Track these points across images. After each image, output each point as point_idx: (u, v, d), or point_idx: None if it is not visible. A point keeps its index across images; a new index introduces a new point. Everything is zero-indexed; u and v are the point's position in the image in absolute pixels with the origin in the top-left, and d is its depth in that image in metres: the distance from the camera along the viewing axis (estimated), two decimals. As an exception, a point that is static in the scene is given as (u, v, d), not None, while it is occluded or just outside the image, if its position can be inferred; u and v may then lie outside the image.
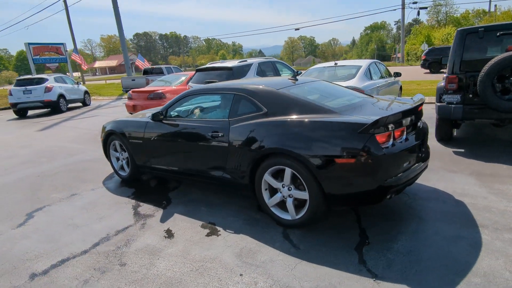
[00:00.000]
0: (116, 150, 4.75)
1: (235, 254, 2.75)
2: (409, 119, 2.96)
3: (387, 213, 3.21)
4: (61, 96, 13.99)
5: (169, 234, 3.19)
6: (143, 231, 3.29)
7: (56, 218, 3.74)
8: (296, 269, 2.49)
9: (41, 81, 13.68)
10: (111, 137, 4.71)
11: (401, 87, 8.46)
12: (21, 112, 13.69)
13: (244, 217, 3.39)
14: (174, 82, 9.69)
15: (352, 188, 2.71)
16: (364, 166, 2.62)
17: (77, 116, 12.60)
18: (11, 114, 14.22)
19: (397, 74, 7.67)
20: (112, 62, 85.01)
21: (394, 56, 52.72)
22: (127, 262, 2.78)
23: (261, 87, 3.42)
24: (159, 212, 3.68)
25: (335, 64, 6.69)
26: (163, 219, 3.50)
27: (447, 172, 4.14)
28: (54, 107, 13.79)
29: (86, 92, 15.99)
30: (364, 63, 6.39)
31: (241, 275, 2.48)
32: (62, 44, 21.35)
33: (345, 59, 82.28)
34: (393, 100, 3.61)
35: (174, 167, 3.98)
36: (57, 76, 14.60)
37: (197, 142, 3.60)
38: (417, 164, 3.00)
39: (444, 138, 5.39)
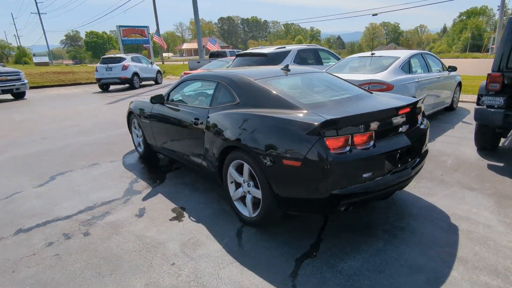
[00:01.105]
0: (136, 128, 5.01)
1: (181, 243, 2.69)
2: (386, 122, 2.49)
3: (358, 226, 2.80)
4: (135, 74, 15.24)
5: (141, 212, 3.26)
6: (123, 206, 3.43)
7: (68, 183, 4.11)
8: (224, 270, 2.33)
9: (120, 60, 15.06)
10: (132, 115, 4.96)
11: (460, 83, 7.23)
12: (104, 86, 15.31)
13: (215, 207, 3.30)
14: (223, 66, 9.78)
15: (300, 193, 2.40)
16: (310, 172, 2.28)
17: (145, 92, 13.66)
18: (97, 87, 16.06)
19: (452, 69, 6.56)
20: (195, 44, 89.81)
21: (488, 46, 45.30)
22: (91, 232, 2.93)
23: (239, 76, 3.21)
24: (147, 190, 3.79)
25: (372, 54, 5.97)
26: (145, 198, 3.60)
27: (462, 188, 3.43)
28: (129, 84, 15.12)
29: (158, 72, 17.17)
30: (404, 54, 5.56)
31: (172, 264, 2.42)
32: (146, 27, 23.24)
33: (431, 48, 73.62)
34: (392, 99, 3.07)
35: (170, 149, 4.05)
36: (134, 56, 15.91)
37: (184, 127, 3.58)
38: (394, 175, 2.52)
39: (485, 147, 4.48)
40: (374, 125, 2.41)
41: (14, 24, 79.83)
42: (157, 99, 4.01)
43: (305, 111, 2.58)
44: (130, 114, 4.99)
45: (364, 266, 2.28)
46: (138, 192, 3.76)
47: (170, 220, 3.09)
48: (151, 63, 17.04)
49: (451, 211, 2.98)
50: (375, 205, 3.14)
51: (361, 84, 4.88)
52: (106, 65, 14.86)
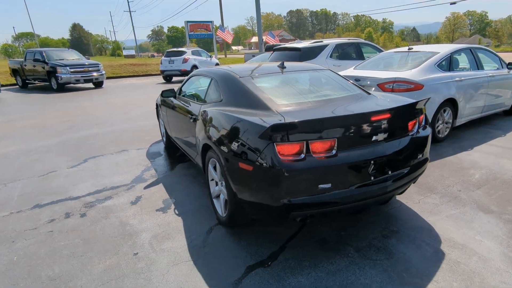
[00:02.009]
0: (160, 118, 5.23)
1: (153, 235, 2.74)
2: (353, 129, 2.18)
3: (331, 240, 2.54)
4: (194, 66, 15.90)
5: (136, 200, 3.41)
6: (125, 192, 3.62)
7: (94, 167, 4.49)
8: (175, 268, 2.31)
9: (181, 53, 15.85)
10: (157, 106, 5.19)
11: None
12: (167, 78, 16.31)
13: (203, 203, 3.29)
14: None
15: (255, 198, 2.25)
16: (260, 177, 2.12)
17: (201, 84, 14.21)
18: (159, 79, 17.18)
19: (513, 66, 5.49)
20: (264, 38, 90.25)
21: None
22: (87, 214, 3.15)
23: (225, 72, 3.11)
24: (153, 179, 3.95)
25: (409, 49, 5.28)
26: (147, 186, 3.75)
27: (475, 209, 2.87)
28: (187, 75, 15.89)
29: (216, 65, 17.69)
30: (445, 49, 4.79)
31: (135, 254, 2.49)
32: (210, 22, 24.07)
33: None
34: (388, 102, 2.68)
35: (177, 142, 4.15)
36: (194, 50, 16.62)
37: (185, 122, 3.62)
38: (364, 188, 2.21)
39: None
40: (336, 132, 2.12)
41: (112, 21, 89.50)
42: (168, 94, 4.11)
43: (273, 113, 2.40)
44: (157, 105, 5.23)
45: (314, 285, 2.06)
46: (144, 180, 3.94)
47: (157, 210, 3.17)
48: (210, 56, 17.61)
49: (449, 235, 2.52)
50: (361, 218, 2.81)
51: (384, 83, 4.37)
52: (169, 58, 15.77)
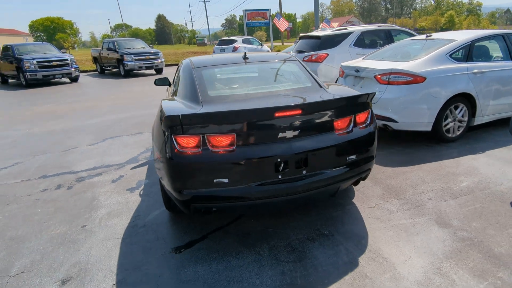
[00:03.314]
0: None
1: (108, 211, 2.97)
2: (256, 124, 2.06)
3: (254, 235, 2.46)
4: (244, 54, 16.06)
5: (118, 179, 3.69)
6: (115, 170, 3.95)
7: (107, 146, 4.95)
8: (100, 245, 2.45)
9: (232, 42, 16.13)
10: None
11: None
12: (219, 65, 16.82)
13: (169, 186, 3.42)
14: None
15: (166, 186, 2.28)
16: (163, 166, 2.16)
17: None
18: None
19: None
20: (334, 24, 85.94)
21: None
22: (73, 187, 3.54)
23: (187, 63, 3.13)
24: (143, 161, 4.21)
25: (427, 36, 4.56)
26: (135, 167, 4.02)
27: (430, 222, 2.46)
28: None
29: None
30: (465, 36, 4.03)
31: (83, 226, 2.74)
32: (267, 10, 23.78)
33: None
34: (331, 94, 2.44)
35: None
36: (245, 38, 16.75)
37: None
38: (268, 186, 2.09)
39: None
40: (235, 127, 2.03)
41: (190, 11, 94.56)
42: (160, 82, 4.29)
43: (197, 105, 2.39)
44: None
45: (207, 276, 2.05)
46: (136, 161, 4.23)
47: (127, 190, 3.41)
48: (261, 44, 17.56)
49: (378, 246, 2.23)
50: (298, 216, 2.64)
51: (381, 75, 3.91)
52: (220, 46, 16.18)
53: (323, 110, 2.17)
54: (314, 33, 6.97)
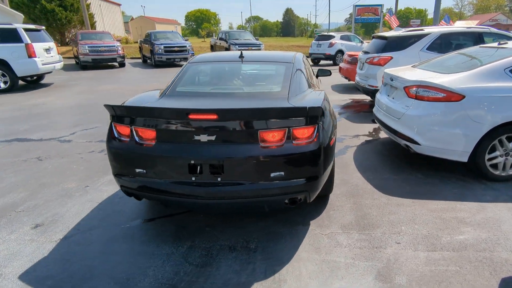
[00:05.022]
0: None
1: (80, 179, 3.42)
2: (173, 124, 2.06)
3: (186, 231, 2.45)
4: (340, 51, 15.17)
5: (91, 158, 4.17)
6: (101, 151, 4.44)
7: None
8: (75, 207, 2.86)
9: (329, 37, 15.40)
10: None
11: None
12: (315, 60, 16.32)
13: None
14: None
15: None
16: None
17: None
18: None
19: None
20: (471, 23, 70.95)
21: None
22: (62, 156, 4.18)
23: (192, 59, 3.29)
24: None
25: (499, 44, 3.35)
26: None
27: (367, 270, 1.94)
28: (332, 60, 15.35)
29: (367, 50, 16.14)
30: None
31: (86, 186, 3.25)
32: (380, 5, 21.25)
33: None
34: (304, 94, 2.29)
35: None
36: (344, 35, 15.71)
37: None
38: (181, 186, 2.07)
39: None
40: (155, 123, 2.08)
41: (315, 5, 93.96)
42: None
43: (161, 97, 2.58)
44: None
45: (122, 255, 2.20)
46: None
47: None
48: (362, 42, 16.19)
49: (286, 277, 1.93)
50: (238, 224, 2.49)
51: (409, 87, 3.17)
52: (318, 42, 15.66)
53: (243, 119, 1.99)
54: (381, 34, 6.04)
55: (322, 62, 16.85)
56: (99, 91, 8.62)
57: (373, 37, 6.37)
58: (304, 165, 2.05)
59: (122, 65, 14.71)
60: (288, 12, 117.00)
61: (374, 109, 4.11)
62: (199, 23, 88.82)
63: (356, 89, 7.76)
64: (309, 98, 2.49)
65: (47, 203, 2.90)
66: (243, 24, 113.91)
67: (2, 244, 2.31)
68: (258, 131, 2.00)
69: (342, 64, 9.01)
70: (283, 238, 2.33)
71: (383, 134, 4.64)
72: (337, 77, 9.54)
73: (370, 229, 2.40)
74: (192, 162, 2.02)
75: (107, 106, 2.16)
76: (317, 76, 4.27)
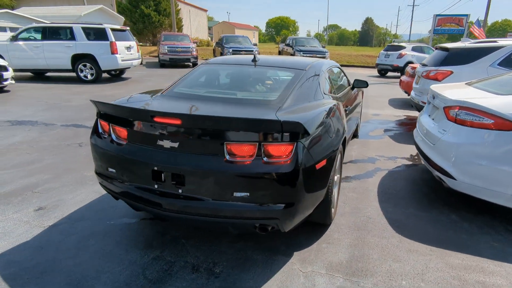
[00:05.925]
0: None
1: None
2: (139, 125, 1.94)
3: (162, 237, 2.30)
4: (409, 63, 13.73)
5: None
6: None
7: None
8: (81, 195, 2.96)
9: (399, 48, 14.10)
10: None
11: None
12: (382, 71, 14.99)
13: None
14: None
15: None
16: None
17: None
18: (374, 72, 15.69)
19: None
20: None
21: None
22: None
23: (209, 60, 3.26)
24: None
25: None
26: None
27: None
28: (400, 72, 13.98)
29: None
30: None
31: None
32: (466, 15, 18.23)
33: None
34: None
35: None
36: (416, 46, 14.14)
37: None
38: (142, 191, 1.94)
39: None
40: (125, 123, 1.98)
41: (398, 15, 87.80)
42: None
43: (157, 97, 2.54)
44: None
45: (94, 251, 2.15)
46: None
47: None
48: (437, 53, 14.38)
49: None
50: (218, 241, 2.24)
51: (449, 107, 2.52)
52: (386, 52, 14.46)
53: (208, 127, 1.76)
54: (445, 45, 5.08)
55: (389, 74, 15.45)
56: (164, 87, 9.20)
57: (436, 48, 5.47)
58: (275, 189, 1.73)
59: (195, 65, 15.71)
60: (368, 21, 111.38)
61: (414, 131, 3.45)
62: (279, 29, 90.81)
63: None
64: (307, 110, 2.14)
65: (61, 188, 3.07)
66: (320, 32, 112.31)
67: (2, 221, 2.48)
68: (224, 142, 1.75)
69: (403, 77, 8.04)
70: (254, 267, 2.02)
71: (428, 160, 3.89)
72: (398, 91, 8.62)
73: (361, 277, 1.93)
74: (155, 168, 1.87)
75: (92, 101, 2.16)
76: (352, 88, 3.80)
